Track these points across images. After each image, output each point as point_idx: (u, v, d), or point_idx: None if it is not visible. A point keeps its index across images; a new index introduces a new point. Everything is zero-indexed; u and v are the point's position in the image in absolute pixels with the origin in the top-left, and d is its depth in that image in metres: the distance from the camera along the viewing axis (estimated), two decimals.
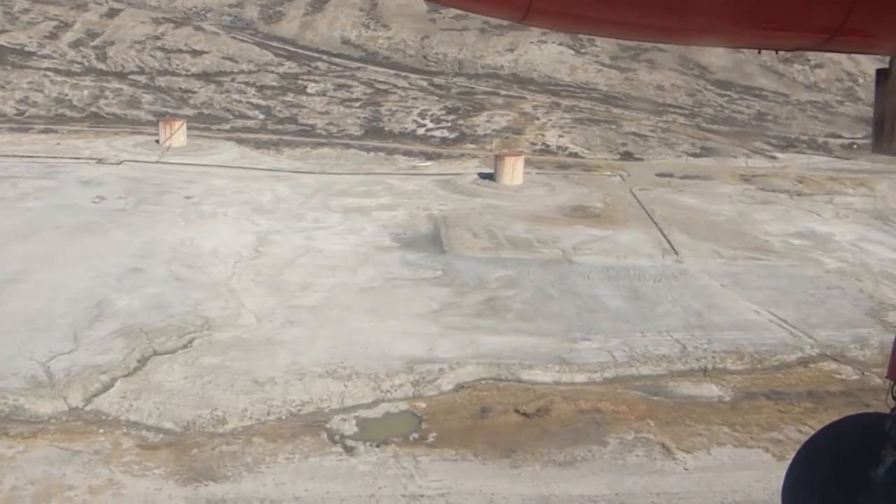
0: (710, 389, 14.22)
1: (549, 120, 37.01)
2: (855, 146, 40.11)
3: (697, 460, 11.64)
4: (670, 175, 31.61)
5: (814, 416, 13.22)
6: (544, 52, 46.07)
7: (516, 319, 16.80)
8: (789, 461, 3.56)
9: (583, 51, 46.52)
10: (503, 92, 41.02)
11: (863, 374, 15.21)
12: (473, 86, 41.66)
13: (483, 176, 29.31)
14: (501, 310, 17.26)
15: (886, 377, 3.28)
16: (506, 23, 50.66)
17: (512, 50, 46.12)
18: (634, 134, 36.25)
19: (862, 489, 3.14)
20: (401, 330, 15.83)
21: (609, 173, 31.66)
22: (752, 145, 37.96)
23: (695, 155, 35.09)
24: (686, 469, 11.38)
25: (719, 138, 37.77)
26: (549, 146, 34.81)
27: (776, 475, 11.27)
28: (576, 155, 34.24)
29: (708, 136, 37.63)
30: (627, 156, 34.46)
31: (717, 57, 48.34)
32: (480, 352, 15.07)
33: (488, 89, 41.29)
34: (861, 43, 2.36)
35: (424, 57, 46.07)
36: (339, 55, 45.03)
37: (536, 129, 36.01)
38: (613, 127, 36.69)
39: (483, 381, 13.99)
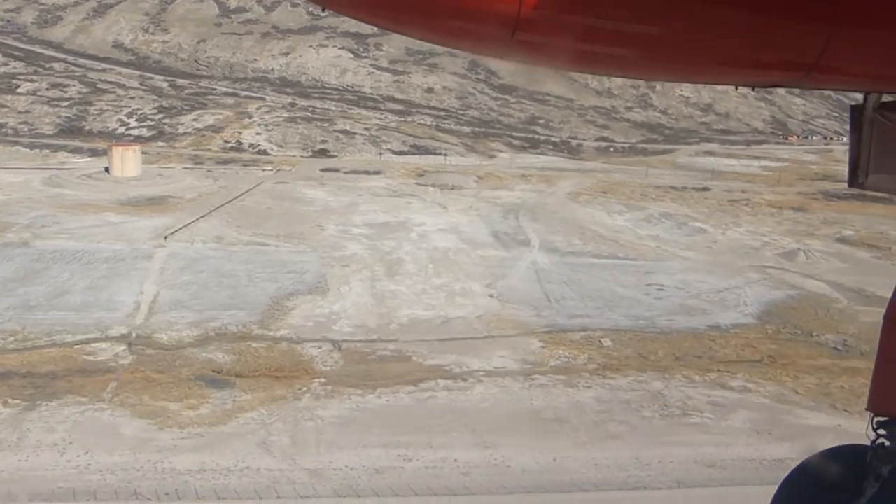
0: None
1: (262, 119, 34.94)
2: (612, 150, 37.85)
3: None
4: (336, 170, 29.32)
5: None
6: (321, 55, 44.28)
7: None
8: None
9: (363, 55, 44.70)
10: (244, 93, 39.09)
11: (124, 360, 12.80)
12: (216, 87, 39.76)
13: (108, 169, 27.23)
14: None
15: (866, 409, 3.16)
16: (295, 27, 48.81)
17: (287, 54, 44.36)
18: (344, 132, 34.06)
19: None
20: None
21: (270, 168, 29.40)
22: (487, 145, 35.72)
23: (400, 153, 32.79)
24: None
25: (451, 138, 35.51)
26: (241, 143, 32.66)
27: None
28: (263, 152, 32.04)
29: (435, 136, 35.38)
30: (321, 153, 32.22)
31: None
32: None
33: (230, 91, 39.36)
34: (836, 80, 2.39)
35: (196, 61, 44.39)
36: (105, 59, 43.41)
37: (238, 128, 33.93)
38: (325, 125, 34.53)
39: None
